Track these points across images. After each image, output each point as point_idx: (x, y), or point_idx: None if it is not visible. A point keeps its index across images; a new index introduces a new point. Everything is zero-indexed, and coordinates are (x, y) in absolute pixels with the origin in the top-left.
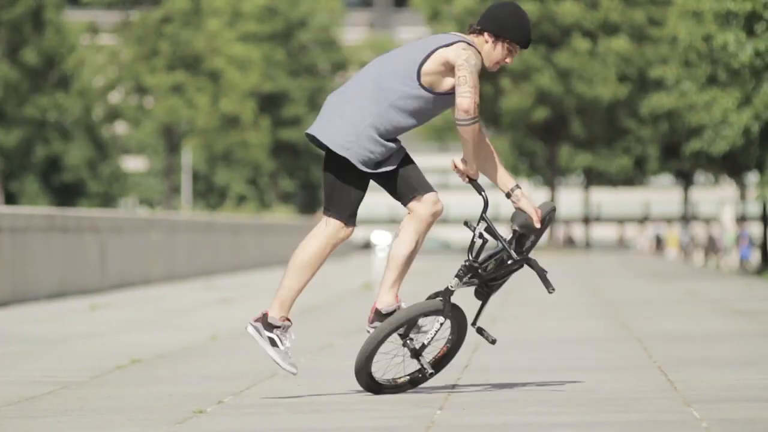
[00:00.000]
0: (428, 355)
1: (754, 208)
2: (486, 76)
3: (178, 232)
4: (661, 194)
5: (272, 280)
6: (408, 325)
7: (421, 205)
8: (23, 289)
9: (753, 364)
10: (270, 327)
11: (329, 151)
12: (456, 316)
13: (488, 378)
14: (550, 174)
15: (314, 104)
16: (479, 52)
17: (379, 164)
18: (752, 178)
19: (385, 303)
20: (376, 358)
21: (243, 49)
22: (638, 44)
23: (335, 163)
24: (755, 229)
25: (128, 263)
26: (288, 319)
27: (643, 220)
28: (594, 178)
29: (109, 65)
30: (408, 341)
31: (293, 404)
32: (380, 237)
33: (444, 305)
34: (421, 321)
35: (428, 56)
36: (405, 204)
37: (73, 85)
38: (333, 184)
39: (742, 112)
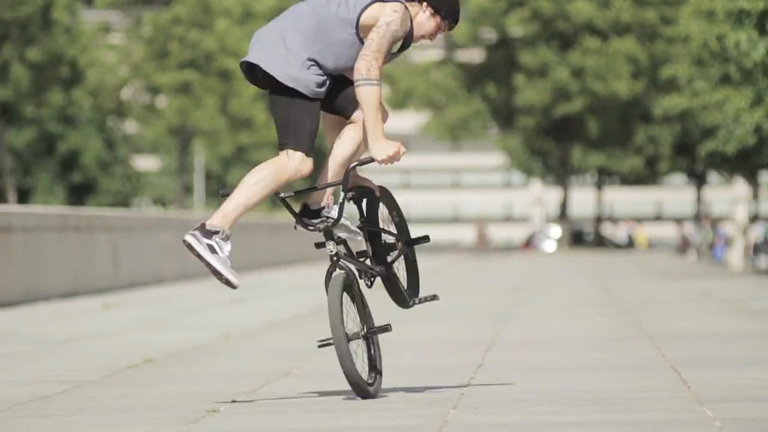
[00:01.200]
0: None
1: (766, 207)
2: (500, 73)
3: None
4: (674, 194)
5: (285, 280)
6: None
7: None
8: (35, 288)
9: (766, 363)
10: (209, 234)
11: (276, 83)
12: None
13: (501, 377)
14: (562, 173)
15: None
16: (411, 20)
17: (320, 91)
18: (765, 177)
19: (314, 200)
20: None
21: None
22: (650, 44)
23: (284, 95)
24: None
25: (140, 263)
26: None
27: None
28: (606, 177)
29: (120, 65)
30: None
31: (306, 403)
32: None
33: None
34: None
35: (367, 6)
36: (348, 116)
37: (85, 83)
38: (287, 116)
39: (755, 111)
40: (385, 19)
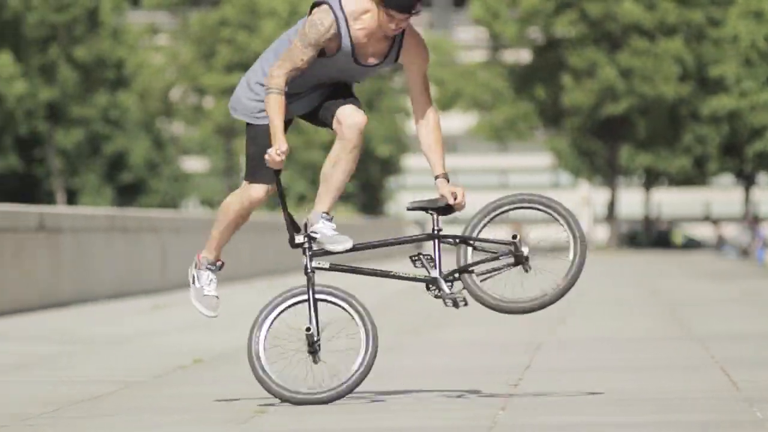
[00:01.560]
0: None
1: None
2: (547, 74)
3: (239, 232)
4: (722, 194)
5: (332, 280)
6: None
7: (339, 126)
8: (85, 289)
9: None
10: (194, 264)
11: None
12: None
13: (550, 378)
14: (610, 174)
15: (373, 105)
16: (338, 21)
17: (260, 116)
18: None
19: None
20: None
21: None
22: (697, 44)
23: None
24: None
25: (188, 263)
26: (218, 260)
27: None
28: (654, 178)
29: (168, 66)
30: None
31: (357, 403)
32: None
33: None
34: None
35: (308, 15)
36: (331, 128)
37: (133, 85)
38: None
39: None
40: (303, 24)
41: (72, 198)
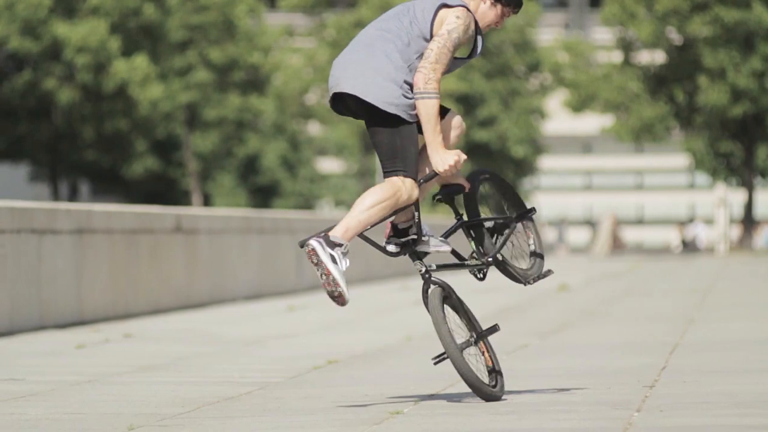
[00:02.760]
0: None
1: None
2: (683, 75)
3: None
4: None
5: (467, 281)
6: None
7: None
8: (221, 290)
9: None
10: (332, 244)
11: (373, 112)
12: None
13: (686, 379)
14: (747, 174)
15: (508, 105)
16: (476, 22)
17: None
18: None
19: (400, 220)
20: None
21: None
22: None
23: (386, 123)
24: None
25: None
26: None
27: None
28: None
29: (305, 67)
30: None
31: (488, 405)
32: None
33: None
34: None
35: (434, 16)
36: None
37: (270, 87)
38: (393, 144)
39: None
40: (447, 27)
41: (208, 200)
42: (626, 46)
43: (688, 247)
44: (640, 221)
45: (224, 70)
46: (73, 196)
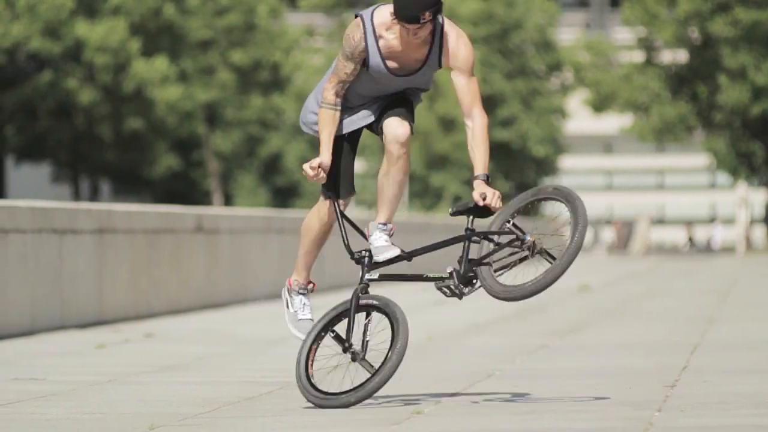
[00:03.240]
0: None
1: None
2: (704, 75)
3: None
4: None
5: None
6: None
7: (384, 138)
8: (241, 290)
9: None
10: (286, 290)
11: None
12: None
13: (707, 379)
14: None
15: (528, 105)
16: (366, 35)
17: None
18: None
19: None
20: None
21: None
22: None
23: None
24: None
25: (345, 264)
26: (309, 282)
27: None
28: None
29: (325, 67)
30: (347, 345)
31: (508, 405)
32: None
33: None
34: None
35: None
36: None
37: (289, 87)
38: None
39: None
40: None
41: (229, 199)
42: (648, 47)
43: (696, 246)
44: (660, 221)
45: (247, 71)
46: (94, 196)
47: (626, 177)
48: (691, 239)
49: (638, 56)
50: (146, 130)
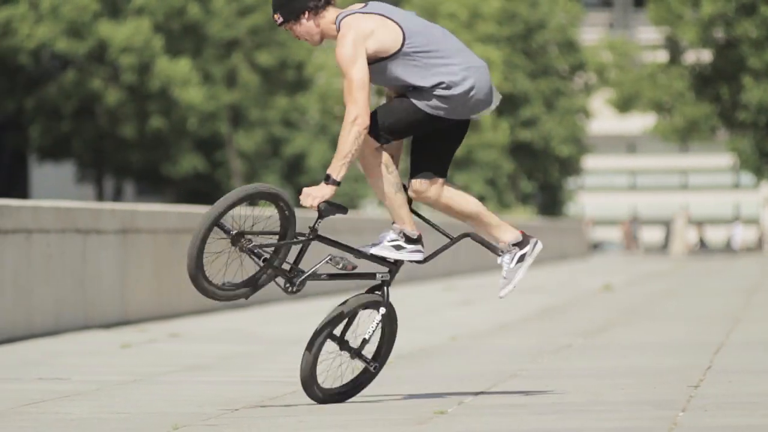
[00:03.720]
0: (368, 353)
1: None
2: (728, 75)
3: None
4: None
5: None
6: (346, 324)
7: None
8: (265, 289)
9: None
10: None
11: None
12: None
13: (731, 379)
14: None
15: (551, 105)
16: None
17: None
18: None
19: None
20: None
21: (482, 50)
22: None
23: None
24: None
25: (368, 265)
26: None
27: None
28: None
29: None
30: (345, 344)
31: (533, 405)
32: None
33: (383, 297)
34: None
35: None
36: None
37: (313, 88)
38: None
39: None
40: None
41: None
42: (672, 47)
43: (707, 247)
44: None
45: (271, 72)
46: (117, 196)
47: (650, 177)
48: (701, 240)
49: (662, 56)
50: (169, 130)
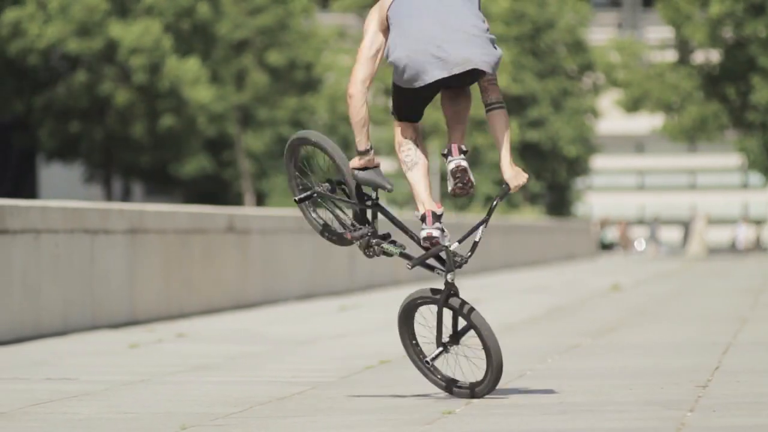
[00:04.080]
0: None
1: None
2: (737, 75)
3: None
4: None
5: (520, 281)
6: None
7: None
8: (273, 290)
9: None
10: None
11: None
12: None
13: (739, 379)
14: None
15: (559, 105)
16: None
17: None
18: None
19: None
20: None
21: None
22: None
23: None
24: None
25: (377, 264)
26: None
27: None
28: None
29: None
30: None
31: (541, 405)
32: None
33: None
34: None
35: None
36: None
37: (322, 88)
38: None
39: None
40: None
41: (262, 199)
42: (682, 46)
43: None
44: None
45: (281, 72)
46: (126, 197)
47: (658, 177)
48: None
49: (671, 56)
50: (180, 129)
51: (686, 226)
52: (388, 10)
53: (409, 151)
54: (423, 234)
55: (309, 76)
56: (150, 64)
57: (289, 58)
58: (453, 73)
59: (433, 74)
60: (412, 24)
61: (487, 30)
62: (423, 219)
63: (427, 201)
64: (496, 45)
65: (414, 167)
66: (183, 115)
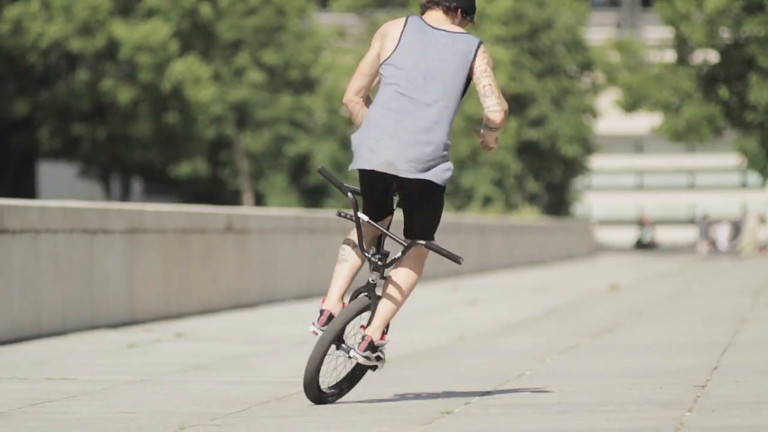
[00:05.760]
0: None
1: None
2: (735, 74)
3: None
4: None
5: (519, 281)
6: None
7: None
8: (272, 290)
9: None
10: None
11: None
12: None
13: (738, 379)
14: None
15: (559, 104)
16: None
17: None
18: None
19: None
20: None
21: (489, 51)
22: None
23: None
24: None
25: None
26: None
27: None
28: None
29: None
30: (343, 346)
31: (540, 405)
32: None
33: (372, 300)
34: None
35: (475, 53)
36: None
37: (320, 88)
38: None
39: None
40: (487, 62)
41: (260, 199)
42: (680, 46)
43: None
44: (691, 221)
45: (277, 71)
46: (125, 196)
47: (657, 177)
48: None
49: (669, 56)
50: (182, 128)
51: (737, 225)
52: (383, 62)
53: (344, 250)
54: (309, 329)
55: (305, 75)
56: (155, 63)
57: (284, 58)
58: (374, 168)
59: (357, 163)
60: (379, 110)
61: (446, 145)
62: (321, 312)
63: (333, 302)
64: (448, 159)
65: (343, 263)
66: (185, 114)
